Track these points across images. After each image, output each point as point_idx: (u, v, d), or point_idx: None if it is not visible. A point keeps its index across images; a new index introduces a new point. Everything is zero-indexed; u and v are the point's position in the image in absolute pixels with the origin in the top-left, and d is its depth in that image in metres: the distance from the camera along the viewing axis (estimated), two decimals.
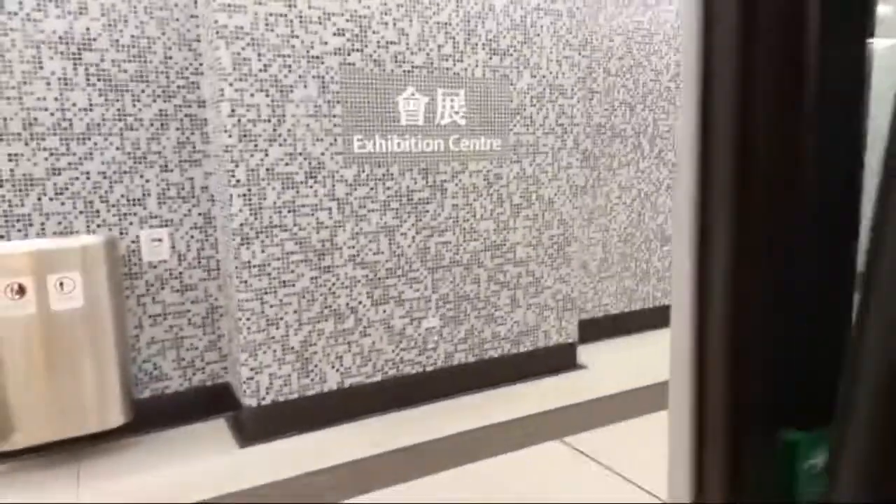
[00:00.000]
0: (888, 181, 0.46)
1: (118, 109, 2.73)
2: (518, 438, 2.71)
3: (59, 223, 2.67)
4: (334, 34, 2.76)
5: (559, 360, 3.52)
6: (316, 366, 2.87)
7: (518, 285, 3.35)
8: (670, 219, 4.35)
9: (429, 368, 3.15)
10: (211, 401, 3.00)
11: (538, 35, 3.25)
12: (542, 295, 3.44)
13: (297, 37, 2.69)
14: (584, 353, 3.67)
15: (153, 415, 2.86)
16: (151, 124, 2.80)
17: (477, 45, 3.09)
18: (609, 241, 4.09)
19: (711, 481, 0.65)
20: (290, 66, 2.69)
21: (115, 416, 2.58)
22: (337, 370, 2.93)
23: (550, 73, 3.33)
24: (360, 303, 2.95)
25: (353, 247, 2.90)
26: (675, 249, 0.87)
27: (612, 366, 3.60)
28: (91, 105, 2.68)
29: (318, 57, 2.73)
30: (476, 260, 3.22)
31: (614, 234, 4.10)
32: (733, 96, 0.59)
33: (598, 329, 4.01)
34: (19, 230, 2.60)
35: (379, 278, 2.98)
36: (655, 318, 4.25)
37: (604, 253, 4.08)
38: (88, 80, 2.66)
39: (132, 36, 2.72)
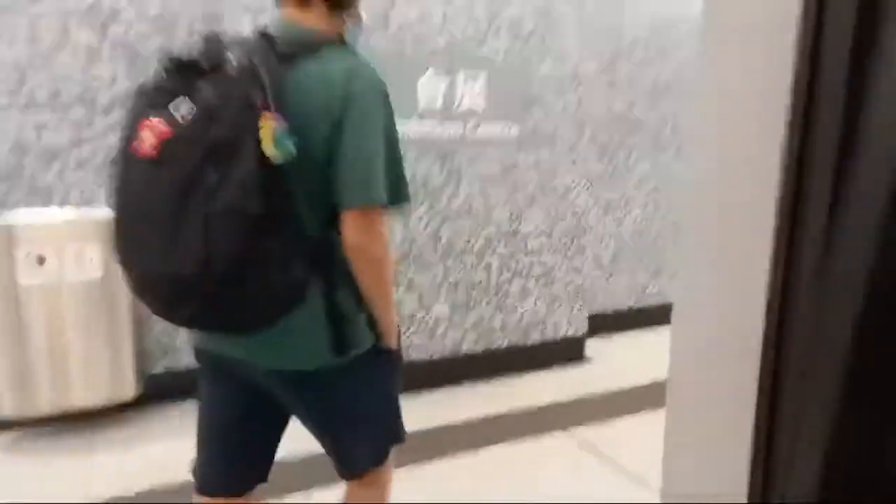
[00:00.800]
0: None
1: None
2: (521, 428, 2.73)
3: (81, 194, 2.71)
4: None
5: (567, 352, 3.53)
6: None
7: (530, 275, 3.36)
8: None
9: (436, 356, 3.17)
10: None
11: (562, 21, 3.22)
12: (553, 286, 3.44)
13: None
14: (592, 346, 3.67)
15: (165, 389, 2.91)
16: None
17: (500, 28, 3.07)
18: (623, 235, 4.06)
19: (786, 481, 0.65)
20: None
21: (129, 389, 2.63)
22: None
23: (572, 60, 3.30)
24: None
25: None
26: (688, 247, 0.87)
27: (617, 360, 3.60)
28: (116, 77, 2.71)
29: None
30: (489, 248, 3.22)
31: (629, 228, 4.08)
32: (844, 97, 0.59)
33: (607, 323, 4.00)
34: (41, 199, 2.65)
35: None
36: (667, 315, 4.22)
37: (617, 246, 4.06)
38: (114, 52, 2.69)
39: (158, 9, 2.74)
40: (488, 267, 3.24)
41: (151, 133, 1.04)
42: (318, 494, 2.24)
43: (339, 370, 1.24)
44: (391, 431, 1.41)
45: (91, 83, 2.68)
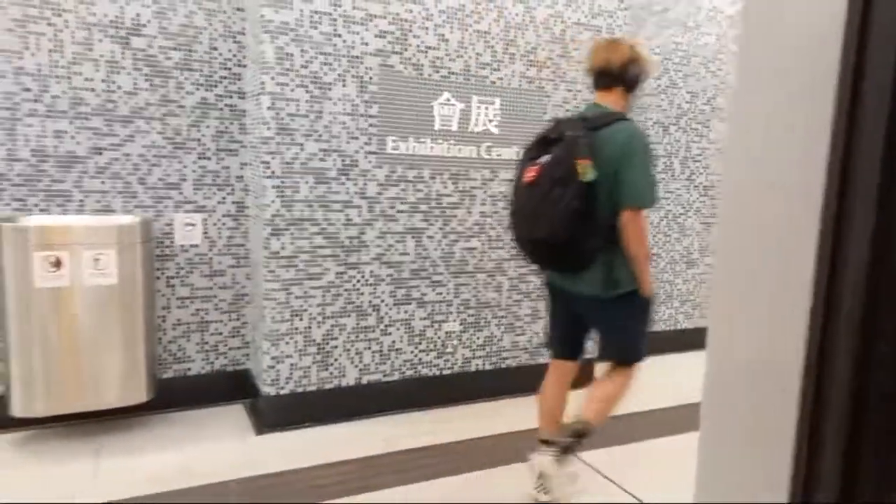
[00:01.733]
0: None
1: (162, 95, 2.79)
2: (529, 449, 2.70)
3: (98, 201, 2.73)
4: (376, 36, 2.80)
5: (578, 375, 3.49)
6: (336, 360, 2.90)
7: (540, 296, 3.35)
8: (698, 241, 4.32)
9: (446, 372, 3.15)
10: (231, 386, 3.03)
11: (577, 50, 3.27)
12: None
13: (340, 36, 2.73)
14: (601, 371, 3.64)
15: (174, 395, 2.90)
16: (192, 112, 2.86)
17: (515, 55, 3.11)
18: None
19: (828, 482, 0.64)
20: (330, 64, 2.73)
21: (139, 393, 2.62)
22: (356, 366, 2.95)
23: (586, 87, 3.34)
24: (382, 301, 2.97)
25: (380, 245, 2.93)
26: (723, 266, 0.85)
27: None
28: (136, 89, 2.74)
29: (358, 57, 2.78)
30: (499, 268, 3.23)
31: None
32: (887, 116, 0.59)
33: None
34: (59, 205, 2.67)
35: (403, 279, 3.00)
36: (676, 341, 4.21)
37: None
38: (135, 64, 2.73)
39: (180, 25, 2.79)
40: (499, 287, 3.24)
41: (531, 172, 2.03)
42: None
43: (611, 300, 2.08)
44: (633, 347, 2.22)
45: (112, 94, 2.71)
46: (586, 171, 1.91)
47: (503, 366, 3.30)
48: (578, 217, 1.92)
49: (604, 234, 2.01)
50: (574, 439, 2.19)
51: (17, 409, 2.44)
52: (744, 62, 0.81)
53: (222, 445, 2.63)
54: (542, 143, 2.07)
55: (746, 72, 0.81)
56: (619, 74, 2.11)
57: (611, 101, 2.13)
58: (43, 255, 2.37)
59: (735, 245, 0.84)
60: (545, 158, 2.00)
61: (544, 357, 3.41)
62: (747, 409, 0.82)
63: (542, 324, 3.38)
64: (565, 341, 2.34)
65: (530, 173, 2.02)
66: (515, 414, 3.08)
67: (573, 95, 3.29)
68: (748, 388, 0.81)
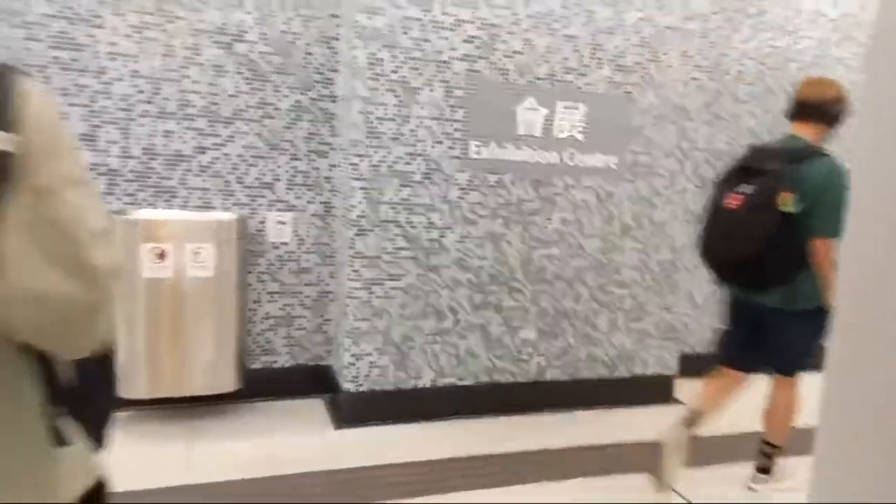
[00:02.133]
0: None
1: (260, 98, 2.93)
2: (601, 465, 2.64)
3: (200, 198, 2.90)
4: (464, 41, 2.83)
5: (655, 391, 3.39)
6: (413, 361, 2.94)
7: (620, 307, 3.27)
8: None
9: (521, 380, 3.13)
10: (312, 380, 3.14)
11: (666, 54, 3.18)
12: (643, 321, 3.34)
13: (429, 41, 2.78)
14: (683, 388, 3.51)
15: (260, 385, 3.03)
16: (287, 114, 2.99)
17: (602, 60, 3.06)
18: None
19: None
20: (419, 69, 2.78)
21: (229, 382, 2.76)
22: (432, 368, 2.98)
23: (676, 93, 3.24)
24: (460, 305, 2.99)
25: (460, 249, 2.95)
26: (845, 284, 0.81)
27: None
28: (237, 92, 2.90)
29: (446, 62, 2.81)
30: (579, 277, 3.18)
31: None
32: None
33: (699, 365, 3.82)
34: (165, 200, 2.85)
35: (481, 283, 3.01)
36: None
37: (713, 286, 3.90)
38: (238, 68, 2.88)
39: (279, 31, 2.92)
40: (577, 296, 3.19)
41: (734, 200, 2.21)
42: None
43: (795, 313, 2.28)
44: (801, 359, 2.37)
45: (215, 96, 2.87)
46: (787, 202, 2.12)
47: (579, 377, 3.24)
48: (774, 242, 2.12)
49: (794, 257, 2.21)
50: (768, 459, 2.51)
51: (123, 391, 2.62)
52: (874, 66, 0.77)
53: (304, 437, 2.73)
54: (742, 173, 2.26)
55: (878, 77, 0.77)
56: (827, 110, 2.28)
57: (808, 132, 2.29)
58: (149, 247, 2.54)
59: (861, 254, 0.80)
60: (748, 189, 2.20)
61: (621, 370, 3.33)
62: (865, 439, 0.77)
63: (619, 336, 3.30)
64: (742, 352, 2.49)
65: (733, 201, 2.22)
66: (589, 428, 3.02)
67: (661, 101, 3.20)
68: (867, 415, 0.76)
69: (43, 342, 0.69)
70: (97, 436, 0.84)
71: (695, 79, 3.36)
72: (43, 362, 0.73)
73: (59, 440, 0.76)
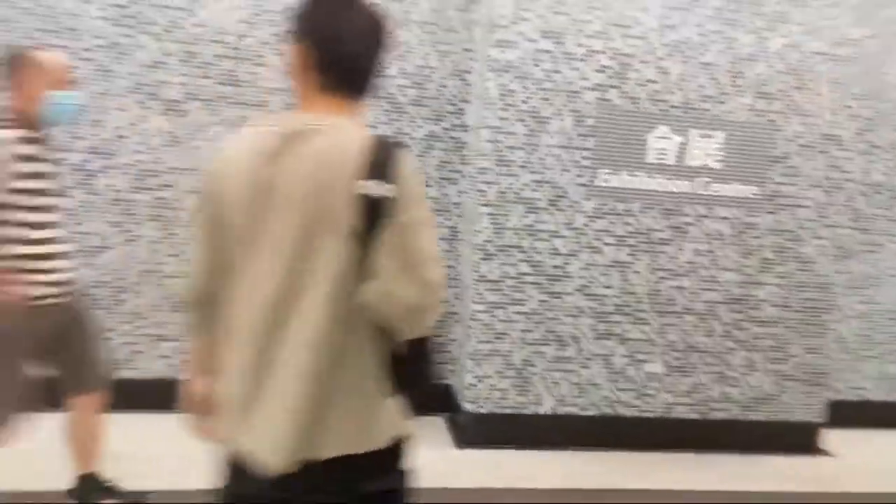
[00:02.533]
0: None
1: (397, 128, 3.13)
2: None
3: None
4: (595, 71, 2.85)
5: (798, 439, 3.11)
6: (534, 386, 2.93)
7: (757, 347, 3.05)
8: None
9: (645, 415, 3.00)
10: (434, 399, 3.21)
11: (813, 81, 2.99)
12: (785, 363, 3.08)
13: (560, 72, 2.83)
14: (830, 438, 3.18)
15: None
16: (421, 143, 3.16)
17: (743, 87, 2.94)
18: (874, 316, 3.52)
19: None
20: (549, 100, 2.84)
21: None
22: (553, 395, 2.94)
23: (825, 121, 3.03)
24: (583, 334, 2.95)
25: (584, 277, 2.92)
26: None
27: (865, 459, 3.07)
28: (376, 123, 3.11)
29: (576, 92, 2.85)
30: (711, 311, 3.02)
31: (882, 309, 3.53)
32: None
33: (850, 414, 3.44)
34: None
35: (605, 313, 2.95)
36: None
37: (867, 328, 3.53)
38: (378, 101, 3.10)
39: (417, 66, 3.12)
40: (710, 331, 3.02)
41: None
42: None
43: None
44: None
45: None
46: None
47: (710, 417, 3.05)
48: None
49: None
50: None
51: None
52: None
53: (427, 454, 2.77)
54: None
55: None
56: None
57: None
58: None
59: None
60: None
61: (759, 414, 3.08)
62: None
63: (757, 377, 3.07)
64: None
65: None
66: (721, 471, 2.82)
67: (807, 129, 3.01)
68: None
69: (392, 325, 0.99)
70: (413, 401, 1.10)
71: (847, 106, 3.12)
72: (384, 339, 1.02)
73: (385, 395, 1.04)
